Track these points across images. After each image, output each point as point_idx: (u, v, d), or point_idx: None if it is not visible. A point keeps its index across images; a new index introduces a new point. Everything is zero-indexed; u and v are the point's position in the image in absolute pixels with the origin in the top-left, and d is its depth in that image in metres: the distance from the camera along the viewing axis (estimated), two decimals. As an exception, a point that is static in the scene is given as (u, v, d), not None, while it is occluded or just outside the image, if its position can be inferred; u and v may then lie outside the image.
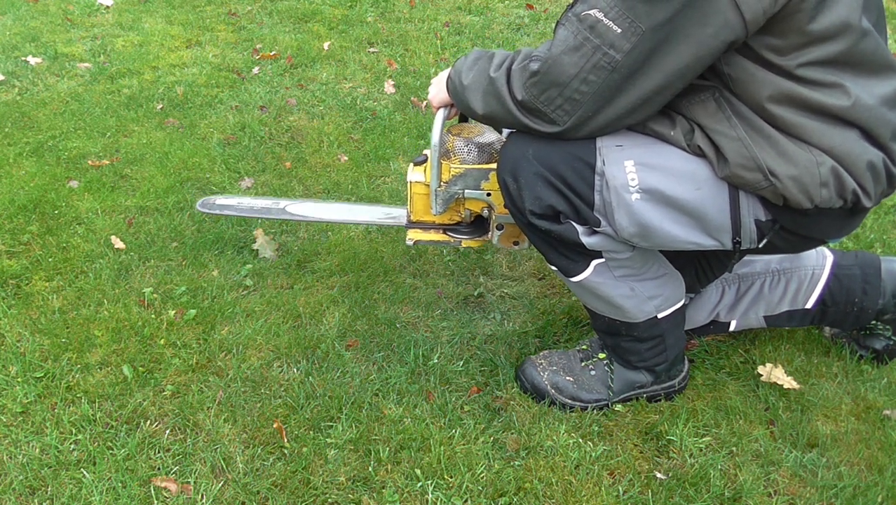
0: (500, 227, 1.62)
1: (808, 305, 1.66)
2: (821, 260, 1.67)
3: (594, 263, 1.42)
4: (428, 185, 1.59)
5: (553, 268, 1.49)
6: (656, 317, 1.51)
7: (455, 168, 1.55)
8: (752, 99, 1.23)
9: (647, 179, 1.29)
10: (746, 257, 1.69)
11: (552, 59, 1.23)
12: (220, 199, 1.89)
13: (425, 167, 1.61)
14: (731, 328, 1.72)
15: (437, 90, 1.51)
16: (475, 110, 1.37)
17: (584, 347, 1.66)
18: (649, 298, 1.48)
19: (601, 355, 1.62)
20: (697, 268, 1.63)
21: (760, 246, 1.35)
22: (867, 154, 1.24)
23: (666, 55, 1.18)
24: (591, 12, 1.19)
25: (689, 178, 1.29)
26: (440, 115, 1.52)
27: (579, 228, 1.37)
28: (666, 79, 1.20)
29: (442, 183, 1.57)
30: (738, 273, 1.70)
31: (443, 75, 1.49)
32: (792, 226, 1.33)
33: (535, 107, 1.27)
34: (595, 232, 1.37)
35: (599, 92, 1.22)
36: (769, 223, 1.32)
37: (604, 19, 1.18)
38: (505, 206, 1.45)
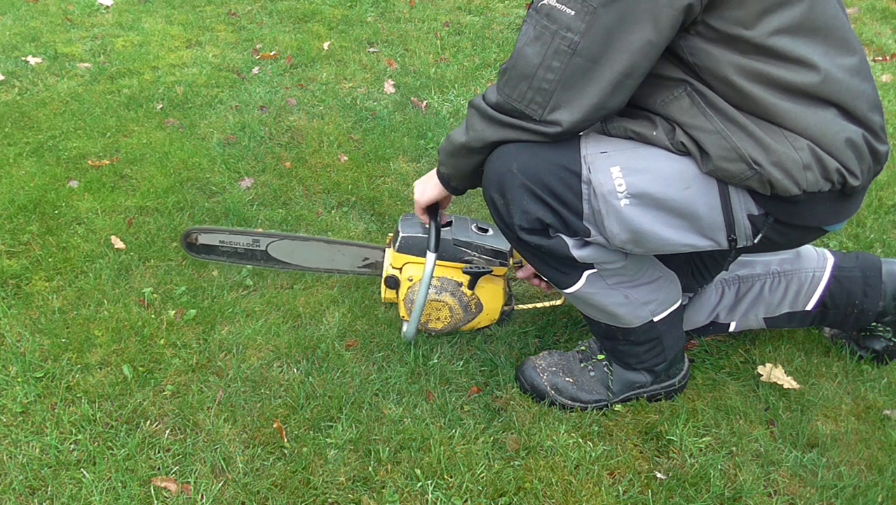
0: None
1: (809, 307, 1.66)
2: (821, 262, 1.67)
3: (586, 273, 1.42)
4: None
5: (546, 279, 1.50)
6: (652, 321, 1.50)
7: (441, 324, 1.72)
8: (723, 83, 1.22)
9: (634, 184, 1.28)
10: (747, 258, 1.69)
11: (516, 53, 1.25)
12: (203, 237, 1.89)
13: (399, 295, 1.72)
14: (731, 329, 1.72)
15: (424, 186, 1.55)
16: (459, 142, 1.38)
17: (582, 348, 1.66)
18: (644, 303, 1.48)
19: (600, 356, 1.62)
20: (693, 269, 1.63)
21: (756, 242, 1.35)
22: (844, 132, 1.23)
23: (626, 33, 1.17)
24: (545, 2, 1.21)
25: (677, 178, 1.29)
26: (428, 268, 1.58)
27: (569, 241, 1.36)
28: (632, 58, 1.19)
29: (422, 324, 1.72)
30: (737, 274, 1.70)
31: (425, 177, 1.56)
32: (785, 217, 1.32)
33: (511, 106, 1.28)
34: (586, 244, 1.37)
35: (566, 78, 1.22)
36: (762, 217, 1.31)
37: (557, 5, 1.19)
38: (495, 223, 1.46)
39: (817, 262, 1.67)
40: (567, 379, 1.60)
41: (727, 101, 1.23)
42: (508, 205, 1.35)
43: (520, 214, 1.35)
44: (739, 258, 1.68)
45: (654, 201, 1.29)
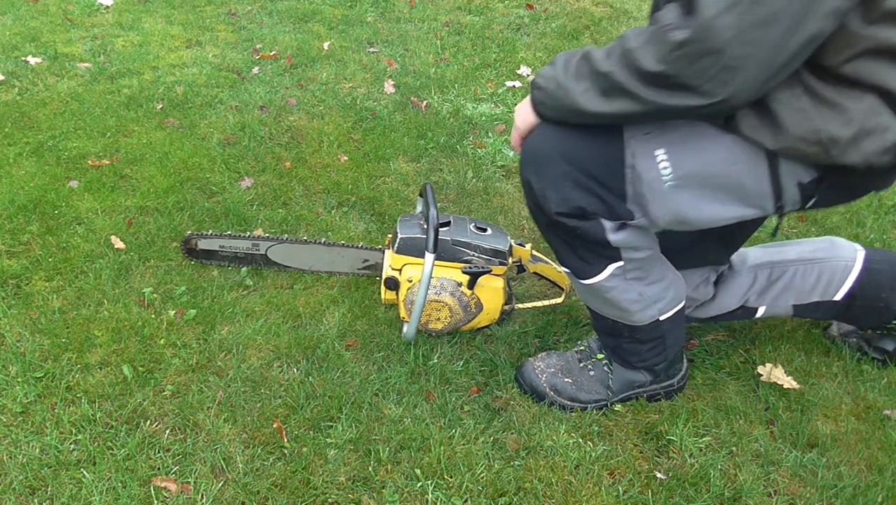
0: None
1: (838, 297, 1.65)
2: (853, 253, 1.66)
3: (612, 266, 1.41)
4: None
5: (565, 270, 1.48)
6: (658, 319, 1.50)
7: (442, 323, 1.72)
8: (834, 58, 1.14)
9: (679, 165, 1.26)
10: (779, 246, 1.70)
11: (703, 25, 1.08)
12: (203, 243, 1.93)
13: (398, 296, 1.72)
14: (759, 314, 1.70)
15: (524, 115, 1.38)
16: (591, 111, 1.24)
17: (581, 347, 1.66)
18: (654, 301, 1.48)
19: (599, 356, 1.62)
20: (726, 239, 1.59)
21: (806, 207, 1.32)
22: None
23: None
24: None
25: (723, 154, 1.26)
26: (427, 269, 1.58)
27: (608, 225, 1.34)
28: (820, 23, 1.08)
29: (421, 325, 1.72)
30: (770, 260, 1.68)
31: (526, 101, 1.38)
32: (839, 182, 1.28)
33: (679, 81, 1.13)
34: (623, 227, 1.35)
35: (757, 52, 1.09)
36: (813, 183, 1.28)
37: None
38: (527, 206, 1.42)
39: (850, 252, 1.66)
40: (566, 379, 1.60)
41: (821, 75, 1.16)
42: (545, 190, 1.32)
43: (559, 201, 1.32)
44: (773, 244, 1.69)
45: (700, 180, 1.27)
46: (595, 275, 1.42)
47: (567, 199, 1.32)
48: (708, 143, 1.27)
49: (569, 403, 1.60)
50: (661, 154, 1.27)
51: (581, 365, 1.62)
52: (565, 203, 1.32)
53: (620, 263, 1.40)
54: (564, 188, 1.31)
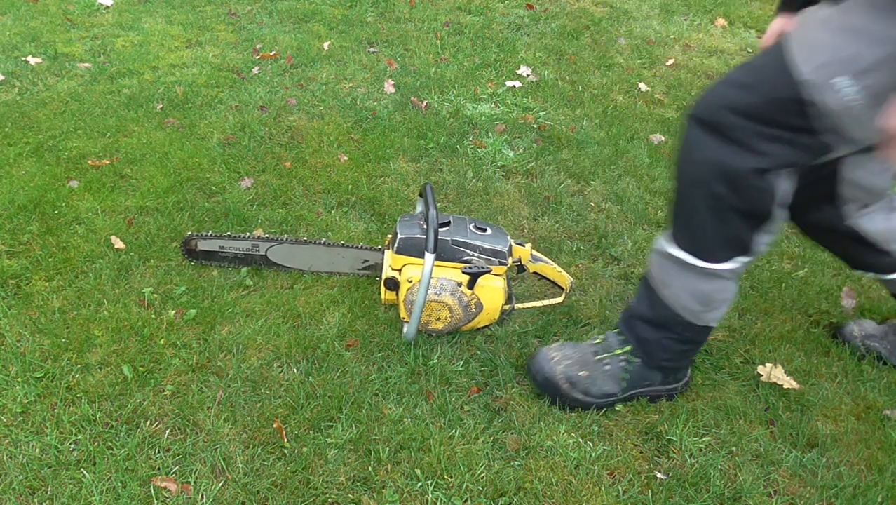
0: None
1: None
2: None
3: (740, 259, 1.39)
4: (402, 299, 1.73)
5: (681, 253, 1.42)
6: (709, 326, 1.51)
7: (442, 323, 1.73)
8: None
9: (866, 87, 1.19)
10: None
11: None
12: (203, 243, 1.93)
13: (398, 296, 1.73)
14: None
15: None
16: None
17: (598, 340, 1.65)
18: (721, 305, 1.48)
19: (618, 351, 1.60)
20: None
21: None
22: None
23: None
24: None
25: None
26: (427, 269, 1.58)
27: (780, 189, 1.30)
28: None
29: (422, 325, 1.73)
30: None
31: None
32: None
33: None
34: (781, 208, 1.33)
35: None
36: None
37: None
38: (684, 177, 1.37)
39: None
40: (581, 372, 1.59)
41: None
42: (729, 149, 1.28)
43: (747, 157, 1.28)
44: None
45: (890, 86, 1.19)
46: (720, 261, 1.40)
47: (756, 151, 1.28)
48: (881, 49, 1.18)
49: (581, 396, 1.59)
50: (840, 81, 1.21)
51: (596, 359, 1.61)
52: (754, 159, 1.28)
53: (748, 259, 1.40)
54: (752, 144, 1.28)
